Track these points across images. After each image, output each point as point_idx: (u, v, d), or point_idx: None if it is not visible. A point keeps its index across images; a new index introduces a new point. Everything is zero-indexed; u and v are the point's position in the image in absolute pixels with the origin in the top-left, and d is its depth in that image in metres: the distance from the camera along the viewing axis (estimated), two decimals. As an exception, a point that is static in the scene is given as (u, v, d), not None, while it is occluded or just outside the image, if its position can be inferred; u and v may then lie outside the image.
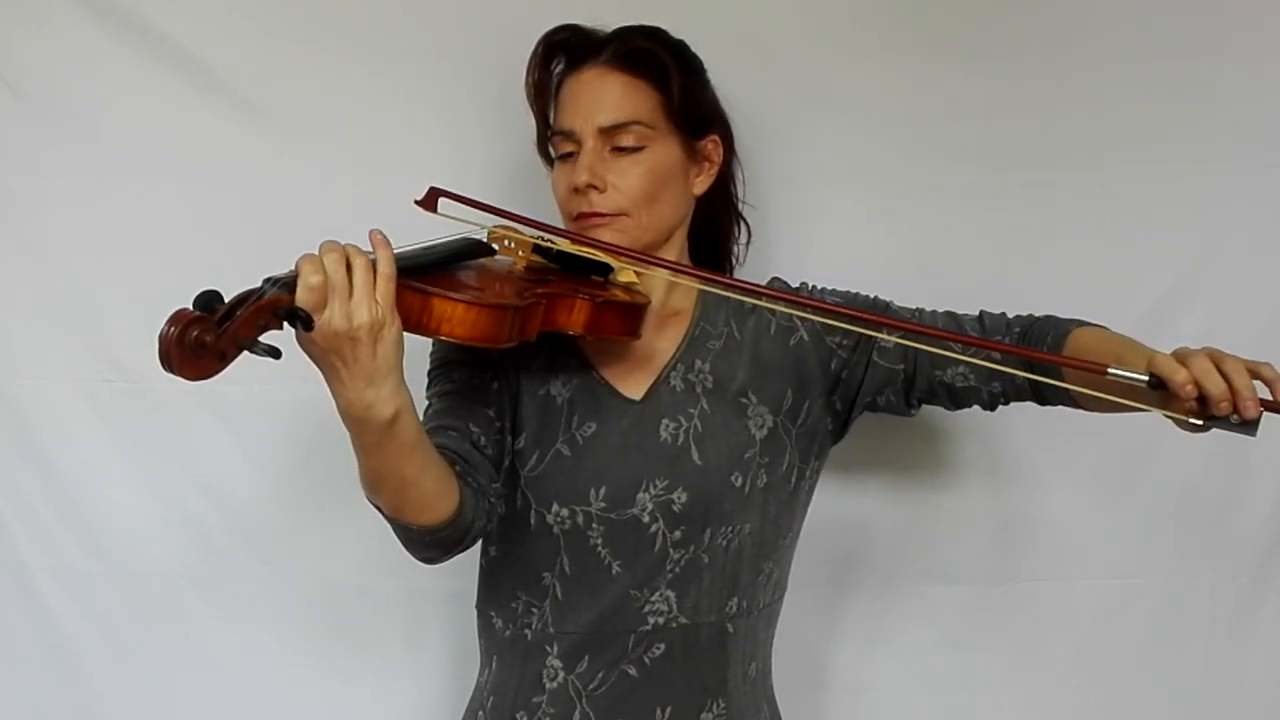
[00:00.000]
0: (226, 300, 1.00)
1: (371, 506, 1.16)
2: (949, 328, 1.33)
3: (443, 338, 1.11)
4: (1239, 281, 1.61)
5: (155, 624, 1.71)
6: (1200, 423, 1.00)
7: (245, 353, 0.99)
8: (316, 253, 1.02)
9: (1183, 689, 1.68)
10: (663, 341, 1.34)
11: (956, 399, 1.33)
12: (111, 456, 1.69)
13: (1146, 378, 1.03)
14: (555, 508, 1.27)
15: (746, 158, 1.44)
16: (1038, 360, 1.22)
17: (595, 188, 1.27)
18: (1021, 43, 1.59)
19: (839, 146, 1.61)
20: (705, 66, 1.36)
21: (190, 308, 0.97)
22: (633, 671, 1.29)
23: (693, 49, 1.35)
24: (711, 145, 1.35)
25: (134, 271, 1.63)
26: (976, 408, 1.34)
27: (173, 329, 0.95)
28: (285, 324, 1.01)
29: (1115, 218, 1.61)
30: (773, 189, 1.57)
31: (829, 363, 1.35)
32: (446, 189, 1.21)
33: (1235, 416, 0.99)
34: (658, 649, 1.29)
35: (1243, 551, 1.66)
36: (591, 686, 1.29)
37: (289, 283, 1.01)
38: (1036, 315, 1.31)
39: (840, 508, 1.65)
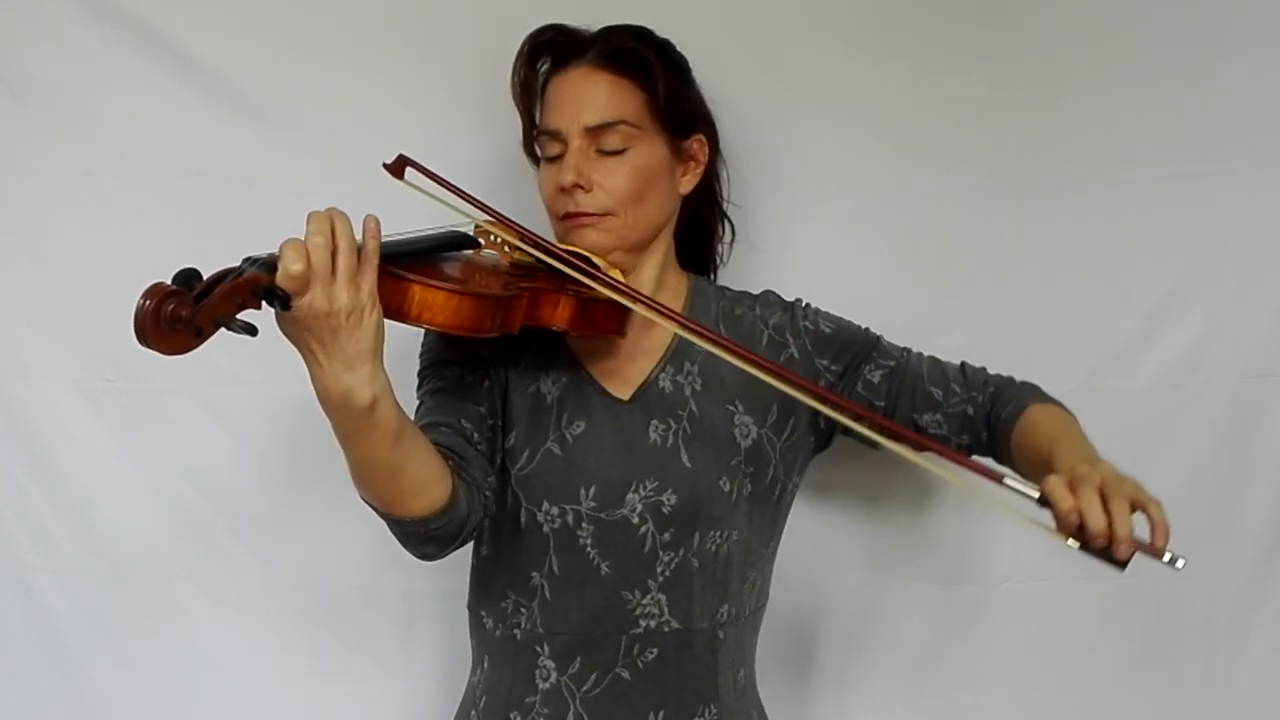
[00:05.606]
0: (205, 277, 0.99)
1: (367, 506, 1.15)
2: (934, 374, 1.34)
3: (424, 325, 1.11)
4: (1239, 281, 1.61)
5: (154, 623, 1.71)
6: (1075, 545, 1.02)
7: (222, 329, 0.98)
8: (301, 238, 1.01)
9: (1183, 689, 1.68)
10: (651, 341, 1.34)
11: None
12: (111, 456, 1.68)
13: (1036, 495, 1.03)
14: (546, 506, 1.28)
15: (739, 158, 1.44)
16: (934, 449, 1.17)
17: (581, 187, 1.27)
18: (1020, 44, 1.58)
19: (833, 147, 1.60)
20: (691, 65, 1.36)
21: (168, 283, 0.97)
22: (626, 675, 1.29)
23: (680, 48, 1.35)
24: (697, 145, 1.35)
25: (134, 271, 1.60)
26: None
27: (148, 302, 0.94)
28: (264, 303, 1.01)
29: (1115, 218, 1.60)
30: (765, 189, 1.57)
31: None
32: (417, 160, 1.19)
33: (1109, 552, 1.00)
34: (651, 653, 1.29)
35: (1243, 551, 1.65)
36: (585, 688, 1.29)
37: (269, 263, 1.01)
38: (1015, 379, 1.34)
39: (835, 505, 1.65)
